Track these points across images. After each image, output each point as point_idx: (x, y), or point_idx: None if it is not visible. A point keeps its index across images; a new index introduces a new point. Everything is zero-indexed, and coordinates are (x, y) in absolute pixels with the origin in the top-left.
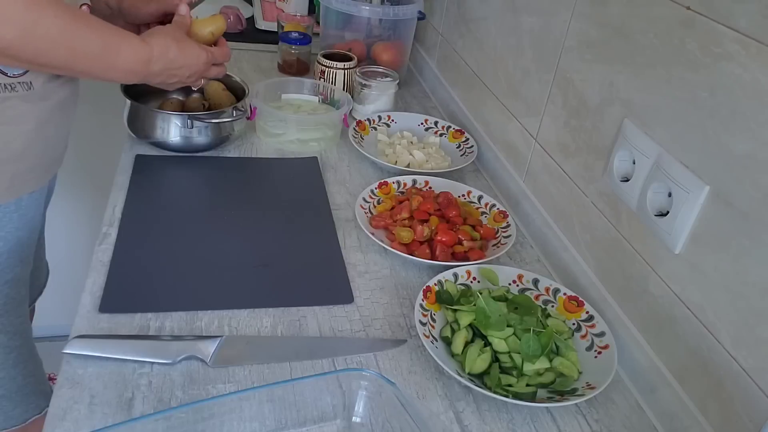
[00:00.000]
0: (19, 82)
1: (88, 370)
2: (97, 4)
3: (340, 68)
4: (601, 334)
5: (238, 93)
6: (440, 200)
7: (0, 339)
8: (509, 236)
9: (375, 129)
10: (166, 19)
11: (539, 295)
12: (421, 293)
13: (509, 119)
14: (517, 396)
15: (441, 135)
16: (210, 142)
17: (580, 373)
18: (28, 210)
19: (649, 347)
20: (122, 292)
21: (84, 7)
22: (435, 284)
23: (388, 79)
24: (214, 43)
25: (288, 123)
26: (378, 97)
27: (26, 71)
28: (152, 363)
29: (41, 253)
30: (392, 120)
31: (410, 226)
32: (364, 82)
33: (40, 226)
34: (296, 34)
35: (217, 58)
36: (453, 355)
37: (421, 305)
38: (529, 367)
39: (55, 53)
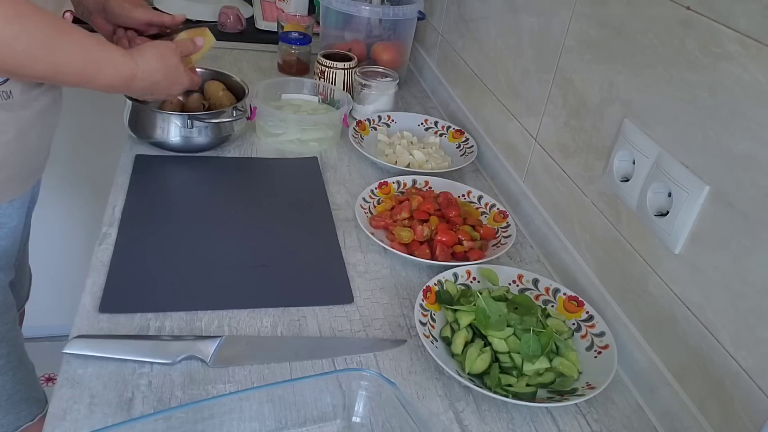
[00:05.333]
0: None
1: (88, 370)
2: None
3: (340, 68)
4: (601, 334)
5: (238, 93)
6: (440, 200)
7: None
8: (509, 236)
9: (375, 129)
10: (149, 28)
11: (539, 295)
12: (421, 293)
13: (509, 119)
14: (517, 396)
15: (441, 135)
16: (210, 142)
17: (580, 373)
18: (10, 219)
19: (649, 347)
20: (122, 292)
21: (67, 15)
22: (435, 284)
23: (388, 79)
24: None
25: (288, 123)
26: (378, 97)
27: (5, 80)
28: (152, 363)
29: (25, 259)
30: (392, 120)
31: (410, 226)
32: (364, 82)
33: (24, 234)
34: (296, 34)
35: (193, 86)
36: (453, 355)
37: (421, 305)
38: (529, 367)
39: (35, 67)
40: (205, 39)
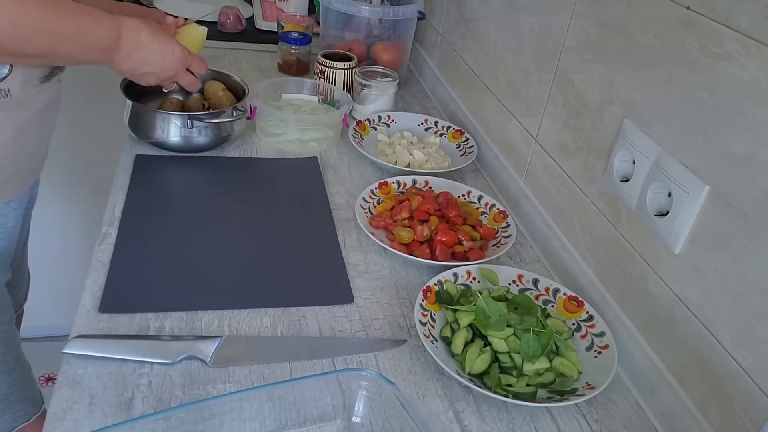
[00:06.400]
0: None
1: (88, 370)
2: None
3: (340, 68)
4: (601, 334)
5: (238, 93)
6: (440, 200)
7: None
8: (509, 236)
9: (375, 129)
10: None
11: (539, 295)
12: (421, 293)
13: (509, 119)
14: (517, 396)
15: (441, 135)
16: (210, 142)
17: (580, 373)
18: (6, 219)
19: (649, 347)
20: (122, 292)
21: None
22: (435, 284)
23: (388, 79)
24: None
25: (288, 123)
26: (378, 97)
27: (3, 78)
28: (152, 363)
29: (23, 260)
30: (392, 120)
31: (410, 226)
32: (364, 82)
33: (22, 235)
34: (296, 34)
35: (193, 65)
36: (453, 355)
37: (421, 305)
38: (529, 367)
39: (38, 41)
40: (189, 29)
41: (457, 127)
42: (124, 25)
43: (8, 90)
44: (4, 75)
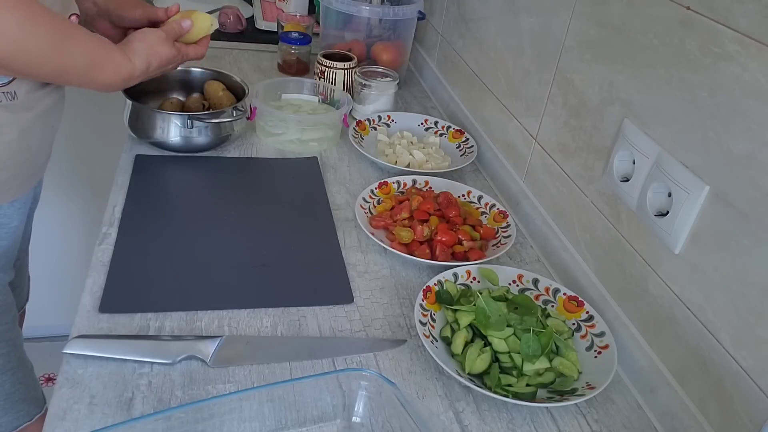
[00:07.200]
0: (2, 92)
1: (88, 370)
2: (84, 4)
3: (340, 68)
4: (601, 334)
5: (238, 93)
6: (440, 200)
7: None
8: (509, 236)
9: (375, 129)
10: (149, 25)
11: (539, 295)
12: (421, 293)
13: (509, 119)
14: (517, 396)
15: (441, 135)
16: (210, 142)
17: (580, 373)
18: (10, 219)
19: (649, 347)
20: (122, 292)
21: (73, 18)
22: (435, 284)
23: (388, 79)
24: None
25: (288, 123)
26: (378, 97)
27: (10, 81)
28: (152, 363)
29: (25, 260)
30: (392, 120)
31: (410, 226)
32: (364, 82)
33: (25, 234)
34: (296, 34)
35: (189, 58)
36: (453, 355)
37: (421, 305)
38: (529, 367)
39: (44, 67)
40: (197, 19)
41: (457, 127)
42: (136, 67)
43: (14, 93)
44: (10, 78)
